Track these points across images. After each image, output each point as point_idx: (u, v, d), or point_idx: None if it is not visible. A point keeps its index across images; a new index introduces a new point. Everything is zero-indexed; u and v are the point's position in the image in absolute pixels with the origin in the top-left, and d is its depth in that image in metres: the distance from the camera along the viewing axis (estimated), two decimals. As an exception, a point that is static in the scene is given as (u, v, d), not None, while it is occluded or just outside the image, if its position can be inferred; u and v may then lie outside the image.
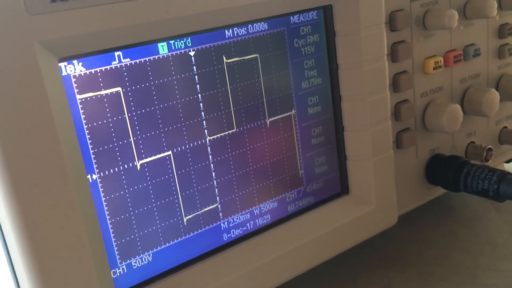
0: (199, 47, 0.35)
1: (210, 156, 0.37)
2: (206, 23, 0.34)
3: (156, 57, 0.34)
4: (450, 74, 0.49)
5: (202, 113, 0.36)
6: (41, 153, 0.28)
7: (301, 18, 0.40)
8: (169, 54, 0.34)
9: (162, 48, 0.34)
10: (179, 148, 0.35)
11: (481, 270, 0.45)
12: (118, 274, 0.34)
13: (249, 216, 0.40)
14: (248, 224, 0.40)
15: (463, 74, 0.49)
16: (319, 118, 0.43)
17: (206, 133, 0.37)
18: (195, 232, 0.37)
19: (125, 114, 0.33)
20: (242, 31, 0.37)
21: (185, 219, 0.36)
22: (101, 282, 0.31)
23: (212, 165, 0.37)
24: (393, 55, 0.43)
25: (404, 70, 0.45)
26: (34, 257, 0.29)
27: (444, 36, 0.47)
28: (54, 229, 0.29)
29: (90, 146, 0.32)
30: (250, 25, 0.37)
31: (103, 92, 0.32)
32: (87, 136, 0.31)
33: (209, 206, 0.38)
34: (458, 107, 0.46)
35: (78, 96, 0.31)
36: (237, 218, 0.39)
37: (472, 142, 0.52)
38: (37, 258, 0.29)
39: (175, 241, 0.36)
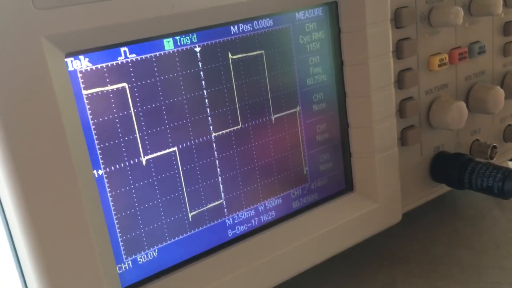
0: (205, 43, 0.35)
1: (215, 152, 0.37)
2: (211, 19, 0.34)
3: (161, 53, 0.34)
4: (455, 72, 0.48)
5: (208, 109, 0.36)
6: (47, 148, 0.28)
7: (307, 15, 0.40)
8: (175, 50, 0.34)
9: (168, 44, 0.34)
10: (184, 144, 0.35)
11: (484, 268, 0.45)
12: (124, 269, 0.34)
13: (254, 212, 0.40)
14: (252, 221, 0.40)
15: (468, 72, 0.49)
16: (324, 115, 0.42)
17: (211, 129, 0.37)
18: (200, 228, 0.37)
19: (130, 110, 0.33)
20: (248, 27, 0.37)
21: (190, 215, 0.37)
22: (107, 277, 0.31)
23: (217, 161, 0.37)
24: (398, 52, 0.43)
25: (409, 67, 0.44)
26: (40, 252, 0.29)
27: (449, 33, 0.47)
28: (60, 224, 0.29)
29: (96, 142, 0.32)
30: (255, 21, 0.37)
31: (109, 87, 0.32)
32: (93, 132, 0.32)
33: (214, 202, 0.38)
34: (463, 104, 0.46)
35: (84, 92, 0.31)
36: (242, 215, 0.39)
37: (477, 139, 0.52)
38: (43, 253, 0.29)
39: (180, 237, 0.36)
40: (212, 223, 0.38)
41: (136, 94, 0.33)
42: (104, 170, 0.32)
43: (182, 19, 0.33)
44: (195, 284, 0.35)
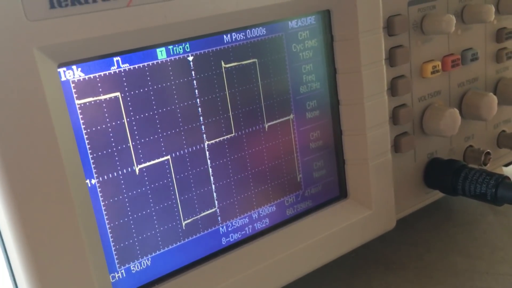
0: (198, 52, 0.35)
1: (209, 161, 0.37)
2: (204, 29, 0.35)
3: (154, 62, 0.34)
4: (448, 78, 0.49)
5: (201, 118, 0.36)
6: (40, 158, 0.28)
7: (299, 23, 0.40)
8: (168, 59, 0.34)
9: (161, 53, 0.34)
10: (177, 153, 0.36)
11: (479, 273, 0.45)
12: (117, 278, 0.34)
13: (247, 220, 0.40)
14: (246, 228, 0.40)
15: (461, 78, 0.50)
16: (317, 122, 0.43)
17: (204, 137, 0.37)
18: (194, 236, 0.37)
19: (124, 119, 0.33)
20: (241, 36, 0.37)
21: (183, 223, 0.37)
22: (100, 286, 0.31)
23: (210, 169, 0.37)
24: (391, 59, 0.43)
25: (402, 74, 0.45)
26: (33, 261, 0.29)
27: (442, 41, 0.47)
28: (53, 233, 0.29)
29: (89, 151, 0.32)
30: (248, 30, 0.38)
31: (102, 97, 0.32)
32: (86, 141, 0.32)
33: (207, 210, 0.38)
34: (456, 111, 0.46)
35: (77, 101, 0.31)
36: (235, 222, 0.39)
37: (470, 146, 0.52)
38: (35, 263, 0.29)
39: (174, 245, 0.36)
40: (205, 231, 0.38)
41: (129, 103, 0.33)
42: (97, 179, 0.32)
43: (175, 29, 0.33)
44: (188, 292, 0.36)
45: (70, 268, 0.30)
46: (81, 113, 0.31)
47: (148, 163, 0.34)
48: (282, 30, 0.39)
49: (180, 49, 0.35)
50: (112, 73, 0.32)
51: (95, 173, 0.32)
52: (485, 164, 0.50)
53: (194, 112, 0.36)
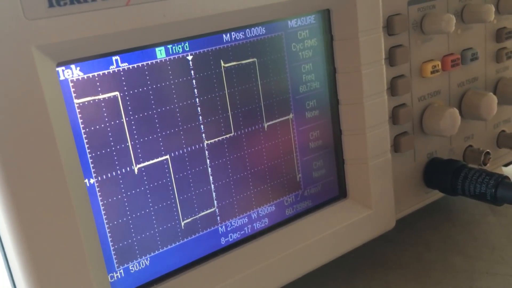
0: (197, 51, 0.35)
1: (208, 160, 0.37)
2: (203, 28, 0.35)
3: (153, 61, 0.34)
4: (448, 78, 0.49)
5: (200, 117, 0.36)
6: (38, 157, 0.28)
7: (299, 23, 0.40)
8: (167, 58, 0.34)
9: (160, 53, 0.34)
10: (176, 152, 0.35)
11: (478, 273, 0.45)
12: (116, 278, 0.34)
13: (246, 220, 0.40)
14: (246, 228, 0.40)
15: (461, 78, 0.50)
16: (317, 122, 0.43)
17: (203, 137, 0.37)
18: (193, 236, 0.37)
19: (122, 119, 0.33)
20: (240, 35, 0.37)
21: (182, 223, 0.37)
22: (99, 286, 0.31)
23: (209, 169, 0.37)
24: (391, 59, 0.43)
25: (402, 74, 0.45)
26: (31, 261, 0.29)
27: (442, 40, 0.47)
28: (51, 233, 0.29)
29: (87, 151, 0.32)
30: (248, 29, 0.37)
31: (101, 96, 0.32)
32: (85, 141, 0.32)
33: (206, 210, 0.38)
34: (456, 111, 0.46)
35: (76, 101, 0.31)
36: (234, 222, 0.39)
37: (470, 145, 0.52)
38: (34, 263, 0.29)
39: (173, 245, 0.36)
40: (205, 231, 0.38)
41: (128, 103, 0.33)
42: (96, 179, 0.32)
43: (174, 28, 0.33)
44: (187, 292, 0.35)
45: (68, 268, 0.30)
46: (79, 113, 0.31)
47: (147, 163, 0.34)
48: (282, 30, 0.39)
49: (179, 48, 0.35)
50: (111, 72, 0.32)
51: (94, 172, 0.32)
52: (485, 164, 0.50)
53: (193, 112, 0.36)
